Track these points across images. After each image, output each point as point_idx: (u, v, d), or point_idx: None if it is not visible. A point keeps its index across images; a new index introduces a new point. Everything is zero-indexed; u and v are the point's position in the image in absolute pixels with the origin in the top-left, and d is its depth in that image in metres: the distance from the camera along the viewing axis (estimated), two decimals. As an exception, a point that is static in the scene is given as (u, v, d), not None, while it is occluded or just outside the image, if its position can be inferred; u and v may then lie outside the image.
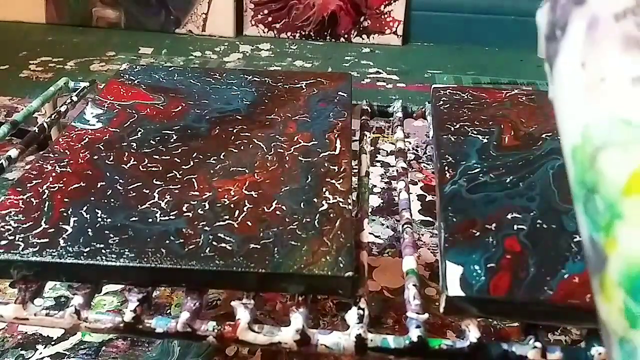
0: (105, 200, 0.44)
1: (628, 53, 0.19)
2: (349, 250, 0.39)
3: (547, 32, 0.23)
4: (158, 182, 0.46)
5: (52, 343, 0.66)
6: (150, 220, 0.42)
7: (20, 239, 0.40)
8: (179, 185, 0.46)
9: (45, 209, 0.43)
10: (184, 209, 0.43)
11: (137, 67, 0.67)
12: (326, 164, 0.49)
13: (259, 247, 0.39)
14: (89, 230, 0.41)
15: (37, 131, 0.58)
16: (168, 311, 0.71)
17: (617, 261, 0.19)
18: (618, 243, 0.19)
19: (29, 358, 0.64)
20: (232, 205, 0.43)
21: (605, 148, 0.19)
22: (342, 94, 0.61)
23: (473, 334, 0.36)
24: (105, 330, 0.37)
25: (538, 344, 0.36)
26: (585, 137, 0.20)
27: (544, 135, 0.53)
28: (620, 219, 0.19)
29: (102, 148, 0.51)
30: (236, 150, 0.51)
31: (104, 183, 0.46)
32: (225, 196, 0.44)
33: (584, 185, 0.21)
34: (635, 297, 0.19)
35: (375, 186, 0.99)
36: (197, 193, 0.45)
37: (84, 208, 0.43)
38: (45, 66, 1.51)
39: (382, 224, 0.89)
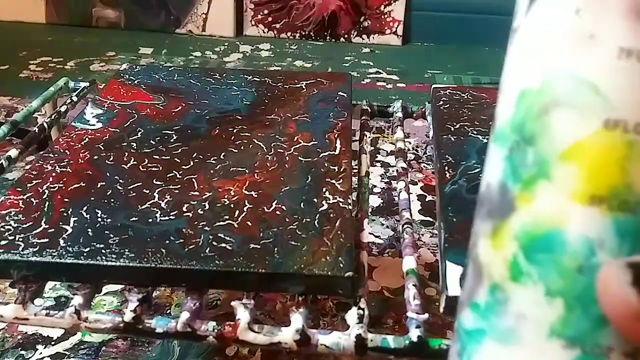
0: (105, 200, 0.44)
1: (628, 20, 0.17)
2: (349, 250, 0.39)
3: None
4: (158, 182, 0.46)
5: (52, 343, 0.66)
6: (150, 220, 0.42)
7: (20, 239, 0.40)
8: (179, 185, 0.46)
9: (45, 209, 0.43)
10: (184, 209, 0.43)
11: (137, 67, 0.67)
12: (326, 164, 0.49)
13: (259, 247, 0.39)
14: (89, 230, 0.41)
15: (37, 131, 0.58)
16: (168, 311, 0.71)
17: (526, 216, 0.19)
18: (534, 200, 0.19)
19: (29, 358, 0.64)
20: (232, 205, 0.43)
21: (562, 105, 0.18)
22: (342, 94, 0.61)
23: (473, 334, 0.36)
24: (105, 330, 0.37)
25: (538, 344, 0.35)
26: (546, 85, 0.19)
27: (544, 135, 0.53)
28: (547, 179, 0.19)
29: (102, 148, 0.51)
30: (236, 150, 0.51)
31: (104, 183, 0.46)
32: (225, 196, 0.44)
33: (519, 131, 0.20)
34: (528, 255, 0.19)
35: (375, 186, 0.99)
36: (197, 193, 0.45)
37: (84, 208, 0.43)
38: (45, 66, 1.51)
39: (382, 224, 0.89)
